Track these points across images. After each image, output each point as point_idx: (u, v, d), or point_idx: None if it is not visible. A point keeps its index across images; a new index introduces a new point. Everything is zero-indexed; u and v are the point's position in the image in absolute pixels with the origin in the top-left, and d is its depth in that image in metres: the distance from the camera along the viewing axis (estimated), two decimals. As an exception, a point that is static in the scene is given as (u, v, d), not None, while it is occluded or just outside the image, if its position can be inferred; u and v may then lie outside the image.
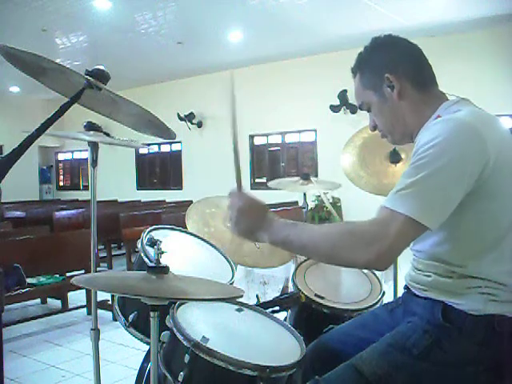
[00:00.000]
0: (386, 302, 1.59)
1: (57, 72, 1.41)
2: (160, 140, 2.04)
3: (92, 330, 1.95)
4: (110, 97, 1.46)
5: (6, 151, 1.14)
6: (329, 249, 1.17)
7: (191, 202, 6.94)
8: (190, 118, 11.57)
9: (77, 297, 4.59)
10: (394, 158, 2.53)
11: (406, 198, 1.11)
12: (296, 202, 7.98)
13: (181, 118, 11.46)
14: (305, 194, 2.98)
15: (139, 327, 1.59)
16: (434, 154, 1.11)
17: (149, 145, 12.17)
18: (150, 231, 1.79)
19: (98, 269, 4.22)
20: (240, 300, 1.48)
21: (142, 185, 13.41)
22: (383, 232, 1.10)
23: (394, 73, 1.30)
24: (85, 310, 4.58)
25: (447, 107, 1.27)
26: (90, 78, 1.39)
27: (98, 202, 2.06)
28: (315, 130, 10.28)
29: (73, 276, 1.25)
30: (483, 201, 1.16)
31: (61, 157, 16.06)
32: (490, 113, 1.26)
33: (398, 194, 1.12)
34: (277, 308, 1.74)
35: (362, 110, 1.41)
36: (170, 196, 11.37)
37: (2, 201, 1.21)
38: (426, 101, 1.31)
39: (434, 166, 1.11)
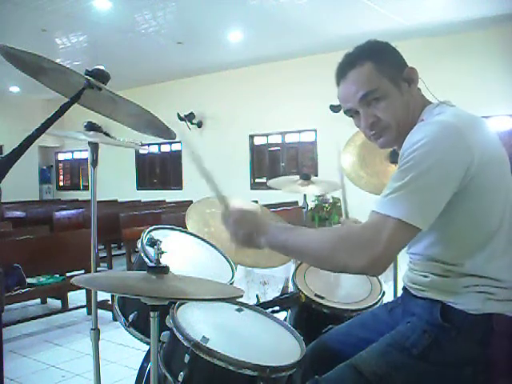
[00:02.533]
0: (386, 302, 1.59)
1: (57, 72, 1.41)
2: (160, 140, 2.03)
3: (92, 329, 1.95)
4: (110, 97, 1.46)
5: (6, 151, 1.14)
6: (324, 254, 1.18)
7: (191, 202, 6.93)
8: (190, 118, 11.57)
9: (77, 297, 4.59)
10: (394, 158, 2.53)
11: (395, 201, 1.12)
12: (296, 202, 7.98)
13: (181, 118, 11.45)
14: (305, 194, 2.97)
15: (139, 327, 1.59)
16: (420, 156, 1.13)
17: (149, 145, 12.19)
18: (150, 231, 1.79)
19: (98, 269, 4.21)
20: (240, 300, 1.48)
21: (141, 185, 13.42)
22: (376, 237, 1.11)
23: (413, 68, 1.32)
24: (85, 310, 4.58)
25: (430, 110, 1.29)
26: (89, 78, 1.39)
27: (98, 202, 2.06)
28: (315, 130, 10.29)
29: (73, 276, 1.25)
30: (471, 200, 1.18)
31: (61, 157, 16.06)
32: (490, 113, 1.27)
33: (387, 198, 1.14)
34: (277, 308, 1.74)
35: (366, 98, 1.28)
36: (169, 196, 11.37)
37: (2, 201, 1.21)
38: (421, 97, 1.34)
39: (420, 168, 1.12)
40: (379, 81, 1.29)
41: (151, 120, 1.52)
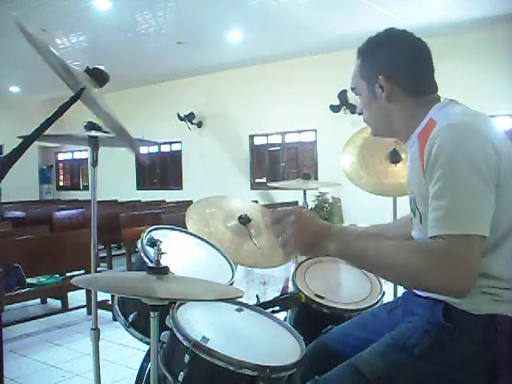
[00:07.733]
0: (386, 302, 1.59)
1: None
2: (160, 140, 2.02)
3: (92, 329, 1.95)
4: (92, 97, 1.41)
5: (6, 151, 1.14)
6: (413, 274, 1.12)
7: (191, 202, 6.93)
8: (189, 118, 11.57)
9: (77, 297, 4.60)
10: (394, 157, 2.54)
11: (456, 218, 1.09)
12: (296, 202, 7.97)
13: (181, 118, 11.46)
14: (305, 193, 2.98)
15: (139, 327, 1.59)
16: (455, 166, 1.11)
17: (149, 145, 12.16)
18: (150, 231, 1.79)
19: (98, 269, 4.21)
20: (240, 300, 1.48)
21: (141, 185, 13.41)
22: (459, 260, 1.07)
23: (388, 77, 1.29)
24: (85, 310, 4.58)
25: (438, 110, 1.26)
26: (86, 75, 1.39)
27: (98, 202, 2.06)
28: (315, 130, 10.28)
29: (73, 276, 1.26)
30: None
31: (61, 157, 16.07)
32: (490, 113, 1.26)
33: (446, 219, 1.10)
34: (277, 308, 1.74)
35: (353, 92, 1.41)
36: (169, 196, 11.36)
37: (2, 201, 1.21)
38: (418, 105, 1.30)
39: (462, 178, 1.10)
40: (358, 81, 1.37)
41: (118, 127, 1.44)
